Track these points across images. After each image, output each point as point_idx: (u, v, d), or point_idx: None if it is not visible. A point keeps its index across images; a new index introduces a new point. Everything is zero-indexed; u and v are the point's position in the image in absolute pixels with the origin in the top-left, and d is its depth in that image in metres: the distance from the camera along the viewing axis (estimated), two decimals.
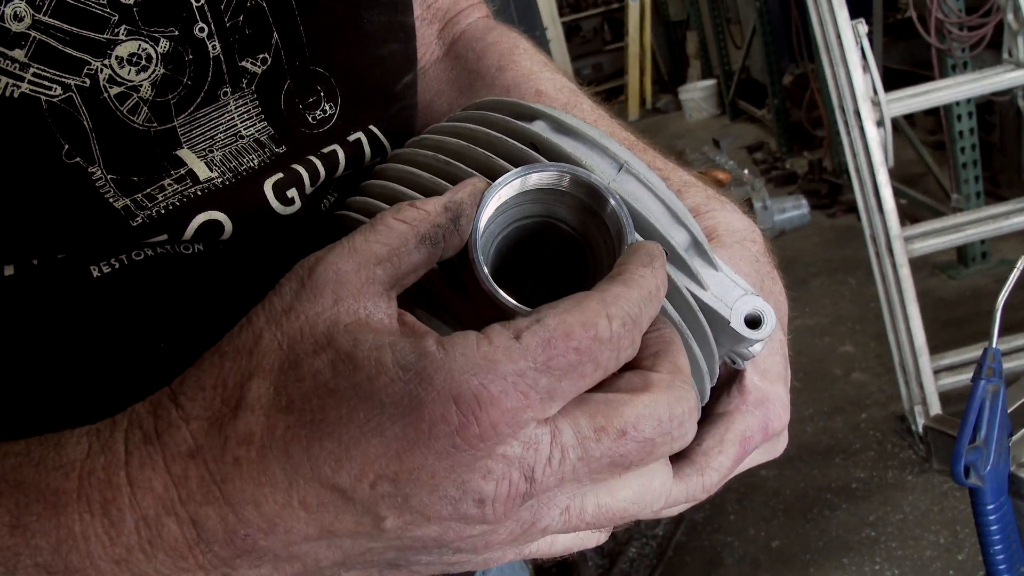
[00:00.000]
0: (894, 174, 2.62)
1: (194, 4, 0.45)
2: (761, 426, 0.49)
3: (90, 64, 0.42)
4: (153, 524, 0.33)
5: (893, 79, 3.28)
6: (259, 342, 0.34)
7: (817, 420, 3.02)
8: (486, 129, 0.44)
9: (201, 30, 0.45)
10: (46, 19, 0.40)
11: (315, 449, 0.32)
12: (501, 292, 0.37)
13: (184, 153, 0.46)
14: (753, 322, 0.43)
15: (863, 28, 2.47)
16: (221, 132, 0.47)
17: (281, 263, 0.38)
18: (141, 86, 0.43)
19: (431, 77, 0.70)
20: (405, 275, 0.37)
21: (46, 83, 0.41)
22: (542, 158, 0.42)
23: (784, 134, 5.92)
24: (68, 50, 0.41)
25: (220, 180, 0.46)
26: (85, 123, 0.42)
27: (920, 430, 2.66)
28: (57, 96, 0.41)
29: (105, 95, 0.42)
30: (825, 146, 5.21)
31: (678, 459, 0.47)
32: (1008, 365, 2.52)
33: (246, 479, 0.32)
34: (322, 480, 0.32)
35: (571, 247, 0.43)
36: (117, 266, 0.45)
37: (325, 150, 0.51)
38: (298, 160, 0.50)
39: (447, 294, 0.42)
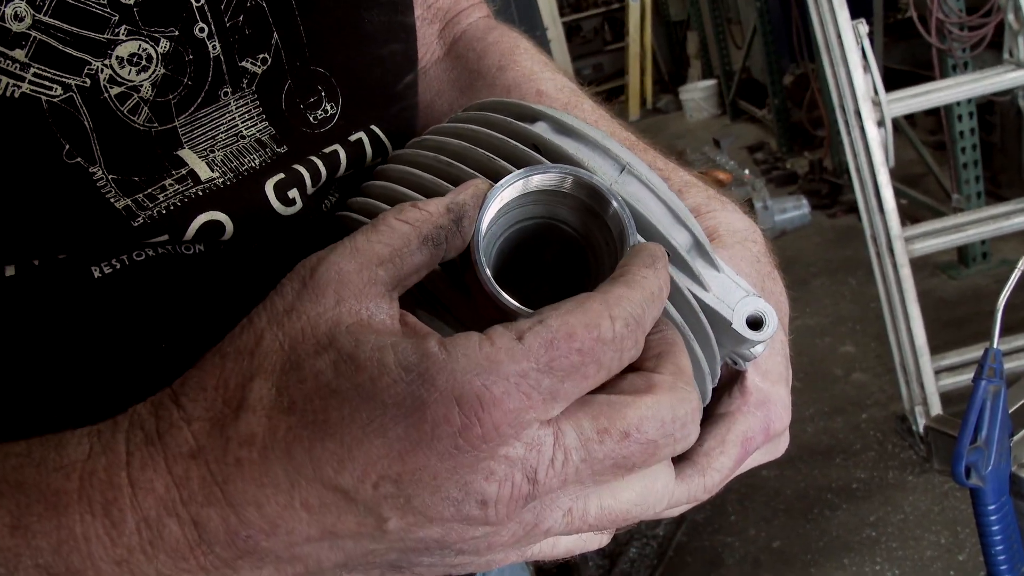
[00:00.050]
0: (895, 174, 2.61)
1: (194, 4, 0.45)
2: (762, 427, 0.49)
3: (90, 64, 0.42)
4: (154, 525, 0.33)
5: (894, 79, 3.28)
6: (260, 343, 0.34)
7: (818, 420, 3.02)
8: (487, 130, 0.44)
9: (201, 30, 0.45)
10: (46, 19, 0.40)
11: (317, 450, 0.32)
12: (503, 294, 0.36)
13: (185, 153, 0.46)
14: (755, 323, 0.43)
15: (864, 28, 2.47)
16: (222, 132, 0.47)
17: (282, 264, 0.38)
18: (141, 86, 0.43)
19: (432, 77, 0.70)
20: (407, 276, 0.37)
21: (47, 83, 0.41)
22: (544, 159, 0.42)
23: (785, 134, 5.92)
24: (68, 50, 0.41)
25: (221, 180, 0.46)
26: (86, 123, 0.42)
27: (921, 430, 2.66)
28: (58, 96, 0.41)
29: (106, 95, 0.42)
30: (826, 146, 5.21)
31: (680, 460, 0.47)
32: (1009, 365, 2.51)
33: (248, 480, 0.32)
34: (324, 481, 0.32)
35: (573, 248, 0.43)
36: (118, 266, 0.45)
37: (326, 150, 0.51)
38: (299, 160, 0.50)
39: (449, 295, 0.41)
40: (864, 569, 2.36)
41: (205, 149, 0.46)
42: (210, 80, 0.46)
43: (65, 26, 0.41)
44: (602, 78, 9.59)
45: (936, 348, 2.66)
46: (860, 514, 2.56)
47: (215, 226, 0.46)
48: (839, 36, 2.48)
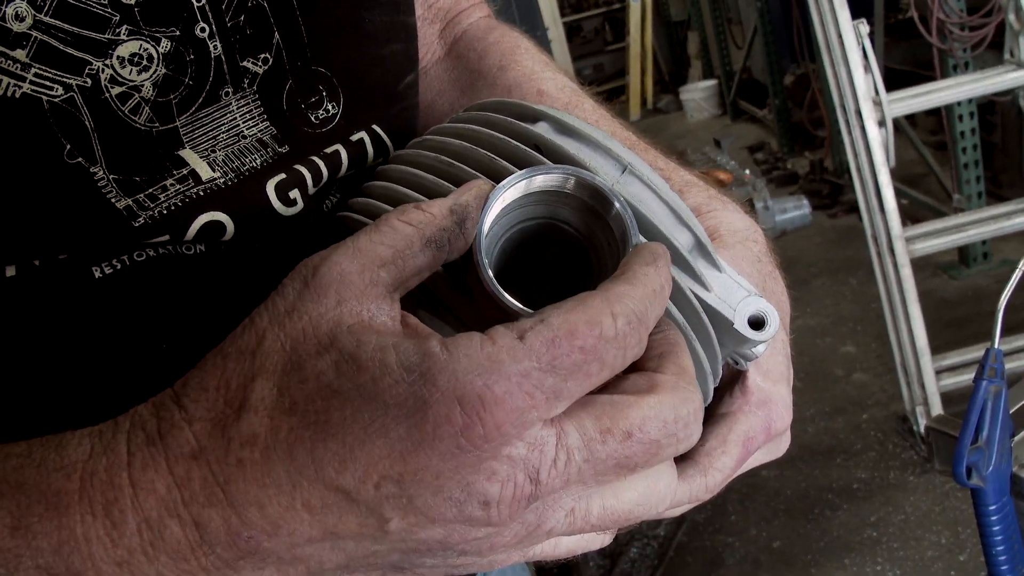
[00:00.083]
0: (895, 174, 2.61)
1: (195, 4, 0.45)
2: (764, 426, 0.49)
3: (91, 64, 0.42)
4: (155, 526, 0.33)
5: (894, 79, 3.28)
6: (262, 343, 0.34)
7: (818, 420, 3.02)
8: (489, 130, 0.44)
9: (202, 30, 0.45)
10: (47, 19, 0.40)
11: (319, 450, 0.32)
12: (505, 295, 0.36)
13: (186, 153, 0.46)
14: (756, 323, 0.43)
15: (864, 28, 2.47)
16: (223, 132, 0.47)
17: (283, 264, 0.38)
18: (142, 86, 0.43)
19: (433, 77, 0.70)
20: (409, 278, 0.37)
21: (48, 83, 0.41)
22: (546, 160, 0.42)
23: (785, 134, 5.92)
24: (69, 50, 0.41)
25: (222, 180, 0.46)
26: (87, 123, 0.42)
27: (922, 431, 2.66)
28: (59, 96, 0.41)
29: (107, 95, 0.42)
30: (826, 146, 5.21)
31: (682, 460, 0.47)
32: (1010, 366, 2.51)
33: (249, 481, 0.32)
34: (326, 482, 0.32)
35: (575, 249, 0.43)
36: (119, 267, 0.45)
37: (328, 150, 0.51)
38: (301, 160, 0.50)
39: (451, 296, 0.41)
40: (865, 569, 2.36)
41: (206, 149, 0.46)
42: (211, 80, 0.46)
43: (66, 26, 0.41)
44: (603, 78, 9.59)
45: (937, 348, 2.66)
46: (861, 514, 2.55)
47: (216, 226, 0.46)
48: (840, 36, 2.48)
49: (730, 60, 7.15)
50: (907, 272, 2.54)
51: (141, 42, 0.43)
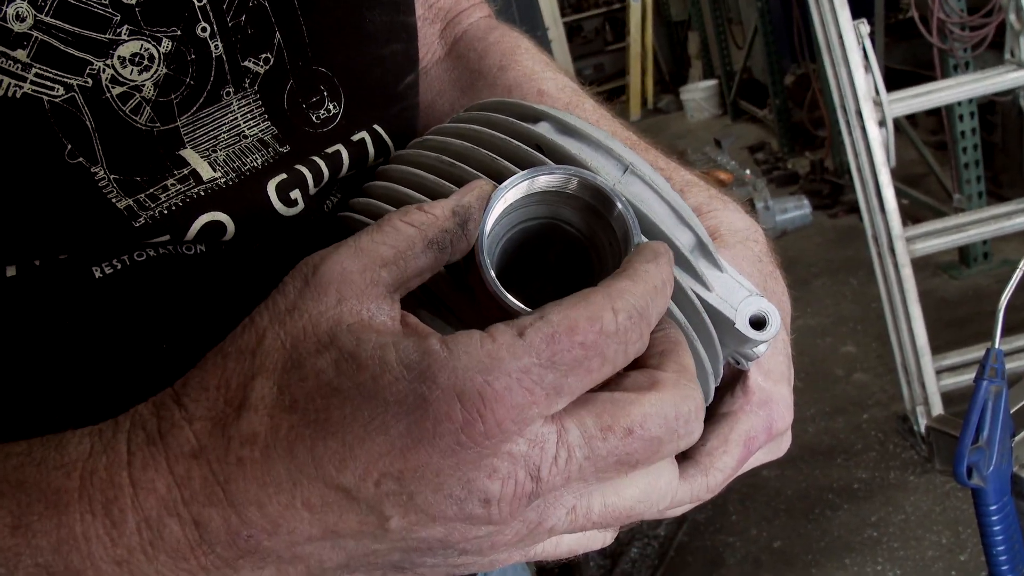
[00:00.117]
0: (896, 174, 2.61)
1: (196, 4, 0.45)
2: (765, 426, 0.49)
3: (92, 64, 0.42)
4: (155, 525, 0.33)
5: (895, 79, 3.27)
6: (262, 341, 0.34)
7: (819, 420, 3.02)
8: (490, 130, 0.44)
9: (203, 30, 0.45)
10: (48, 19, 0.40)
11: (319, 448, 0.32)
12: (508, 295, 0.36)
13: (187, 153, 0.46)
14: (758, 323, 0.43)
15: (865, 28, 2.47)
16: (224, 132, 0.47)
17: (284, 264, 0.38)
18: (143, 86, 0.43)
19: (433, 77, 0.70)
20: (410, 279, 0.37)
21: (48, 83, 0.41)
22: (547, 160, 0.42)
23: (786, 134, 5.92)
24: (70, 50, 0.41)
25: (223, 180, 0.46)
26: (88, 123, 0.42)
27: (922, 430, 2.65)
28: (59, 96, 0.41)
29: (107, 95, 0.42)
30: (827, 146, 5.21)
31: (683, 459, 0.47)
32: (1011, 366, 2.51)
33: (249, 479, 0.32)
34: (326, 480, 0.32)
35: (576, 249, 0.43)
36: (119, 267, 0.45)
37: (329, 150, 0.51)
38: (302, 160, 0.50)
39: (452, 296, 0.41)
40: (865, 569, 2.36)
41: (207, 149, 0.46)
42: (212, 80, 0.46)
43: (67, 26, 0.41)
44: (603, 78, 9.59)
45: (937, 348, 2.66)
46: (861, 514, 2.55)
47: (217, 226, 0.46)
48: (840, 36, 2.48)
49: (730, 60, 7.15)
50: (907, 272, 2.54)
51: (142, 42, 0.43)
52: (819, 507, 2.62)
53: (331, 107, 0.52)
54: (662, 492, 0.37)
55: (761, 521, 2.63)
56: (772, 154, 6.00)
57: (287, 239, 0.49)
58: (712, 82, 7.76)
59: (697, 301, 0.42)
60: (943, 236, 2.64)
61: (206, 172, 0.46)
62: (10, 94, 0.40)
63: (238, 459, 0.32)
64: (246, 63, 0.47)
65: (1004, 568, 0.86)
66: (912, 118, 4.12)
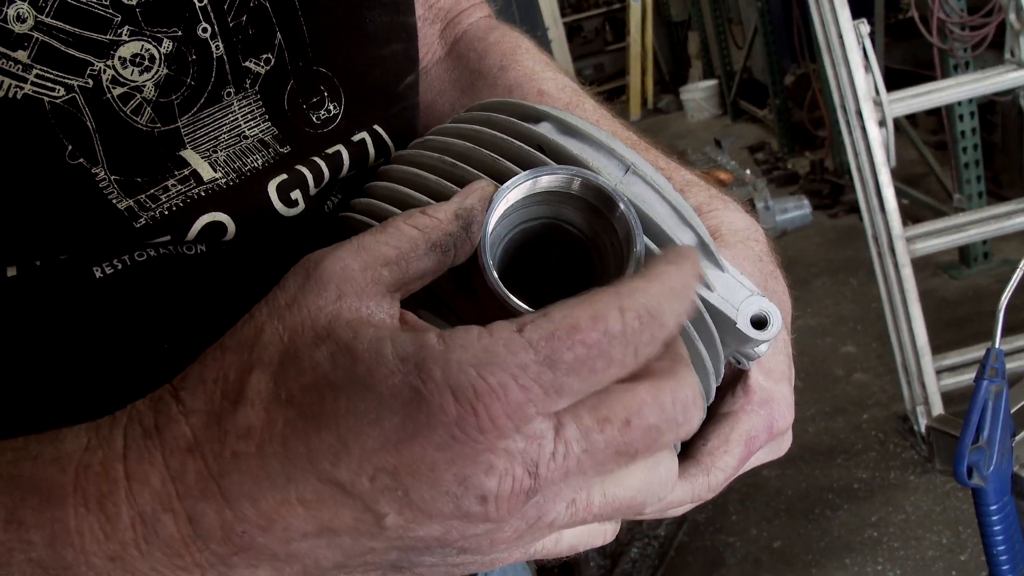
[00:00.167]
0: (896, 174, 2.61)
1: (197, 4, 0.45)
2: (766, 425, 0.49)
3: (93, 65, 0.42)
4: (149, 520, 0.32)
5: (895, 79, 3.27)
6: (260, 336, 0.34)
7: (819, 420, 3.02)
8: (492, 131, 0.44)
9: (204, 30, 0.45)
10: (49, 20, 0.40)
11: (314, 442, 0.31)
12: (510, 295, 0.36)
13: (188, 154, 0.46)
14: (759, 323, 0.43)
15: (865, 28, 2.47)
16: (225, 132, 0.47)
17: (284, 264, 0.38)
18: (144, 87, 0.43)
19: (433, 77, 0.70)
20: (412, 280, 0.37)
21: (49, 84, 0.41)
22: (549, 160, 0.42)
23: (786, 134, 5.92)
24: (71, 51, 0.41)
25: (224, 181, 0.46)
26: (88, 124, 0.42)
27: (922, 430, 2.65)
28: (60, 97, 0.41)
29: (108, 96, 0.42)
30: (827, 146, 5.21)
31: (684, 459, 0.47)
32: (1011, 365, 2.51)
33: (244, 474, 0.32)
34: (320, 475, 0.31)
35: (578, 249, 0.43)
36: (120, 267, 0.45)
37: (329, 150, 0.51)
38: (302, 161, 0.50)
39: (455, 297, 0.41)
40: (866, 569, 2.36)
41: (208, 149, 0.46)
42: (213, 80, 0.46)
43: (67, 27, 0.41)
44: (603, 78, 9.59)
45: (938, 348, 2.66)
46: (862, 514, 2.55)
47: (217, 227, 0.46)
48: (840, 36, 2.48)
49: (730, 60, 7.15)
50: (908, 272, 2.54)
51: (143, 43, 0.43)
52: (819, 507, 2.62)
53: (331, 107, 0.52)
54: (662, 481, 0.37)
55: (761, 521, 2.63)
56: (772, 154, 6.00)
57: (288, 239, 0.49)
58: (712, 82, 7.76)
59: (698, 301, 0.42)
60: (943, 236, 2.64)
61: (207, 173, 0.46)
62: (11, 95, 0.40)
63: (233, 453, 0.32)
64: (247, 63, 0.47)
65: (1004, 568, 0.87)
66: (912, 118, 4.12)
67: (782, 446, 0.52)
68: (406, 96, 0.58)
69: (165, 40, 0.44)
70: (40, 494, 0.33)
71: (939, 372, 2.64)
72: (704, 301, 0.43)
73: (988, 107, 3.93)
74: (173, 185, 0.45)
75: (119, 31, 0.42)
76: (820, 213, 4.58)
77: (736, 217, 0.53)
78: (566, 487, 0.34)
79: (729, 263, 0.45)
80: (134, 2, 0.42)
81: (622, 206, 0.40)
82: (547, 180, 0.40)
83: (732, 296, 0.44)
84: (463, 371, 0.30)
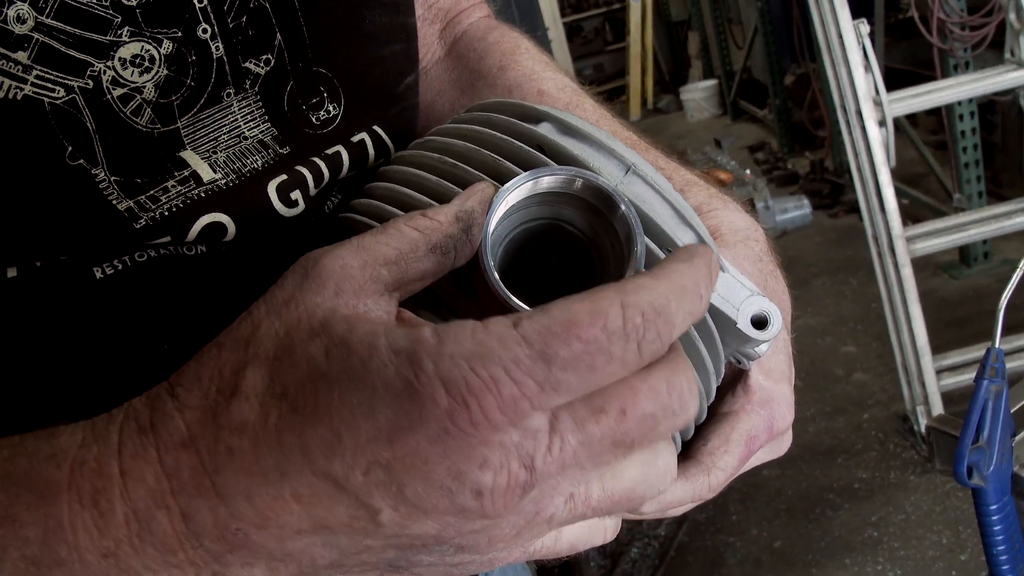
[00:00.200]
0: (896, 174, 2.61)
1: (197, 5, 0.45)
2: (766, 425, 0.49)
3: (93, 66, 0.42)
4: (143, 517, 0.32)
5: (895, 79, 3.28)
6: (257, 332, 0.34)
7: (819, 420, 3.02)
8: (492, 131, 0.44)
9: (204, 31, 0.45)
10: (49, 21, 0.40)
11: (307, 436, 0.31)
12: (511, 296, 0.36)
13: (188, 155, 0.46)
14: (759, 323, 0.43)
15: (865, 28, 2.47)
16: (225, 133, 0.47)
17: (284, 265, 0.38)
18: (144, 87, 0.43)
19: (433, 77, 0.70)
20: (411, 281, 0.37)
21: (49, 85, 0.41)
22: (550, 161, 0.42)
23: (786, 134, 5.92)
24: (71, 52, 0.41)
25: (224, 182, 0.46)
26: (88, 125, 0.42)
27: (922, 430, 2.65)
28: (60, 98, 0.41)
29: (108, 97, 0.42)
30: (827, 146, 5.21)
31: (684, 458, 0.47)
32: (1011, 365, 2.51)
33: (238, 470, 0.32)
34: (314, 469, 0.31)
35: (578, 249, 0.43)
36: (120, 268, 0.45)
37: (329, 151, 0.51)
38: (302, 161, 0.50)
39: (455, 297, 0.41)
40: (866, 569, 2.36)
41: (207, 150, 0.46)
42: (213, 81, 0.46)
43: (67, 28, 0.41)
44: (603, 78, 9.59)
45: (938, 348, 2.66)
46: (862, 514, 2.55)
47: (217, 228, 0.46)
48: (840, 36, 2.48)
49: (730, 60, 7.15)
50: (908, 272, 2.54)
51: (143, 43, 0.43)
52: (819, 507, 2.62)
53: (331, 108, 0.52)
54: (661, 473, 0.36)
55: (761, 521, 2.63)
56: (772, 154, 6.00)
57: (288, 240, 0.49)
58: (712, 82, 7.76)
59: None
60: (943, 236, 2.64)
61: (206, 173, 0.46)
62: (11, 96, 0.40)
63: (227, 448, 0.32)
64: (247, 64, 0.47)
65: (1004, 568, 0.87)
66: (912, 118, 4.12)
67: (782, 446, 0.52)
68: (406, 96, 0.58)
69: (165, 41, 0.44)
70: (34, 490, 0.33)
71: (939, 372, 2.64)
72: None
73: (988, 107, 3.93)
74: (173, 186, 0.45)
75: (119, 32, 0.42)
76: (820, 213, 4.58)
77: (736, 217, 0.53)
78: (564, 481, 0.33)
79: (729, 263, 0.45)
80: (134, 3, 0.42)
81: (623, 207, 0.40)
82: (548, 181, 0.40)
83: (732, 296, 0.44)
84: (455, 364, 0.30)
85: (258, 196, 0.47)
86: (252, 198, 0.47)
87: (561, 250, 0.44)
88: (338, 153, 0.52)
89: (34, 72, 0.40)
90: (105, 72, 0.42)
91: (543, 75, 0.64)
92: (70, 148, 0.42)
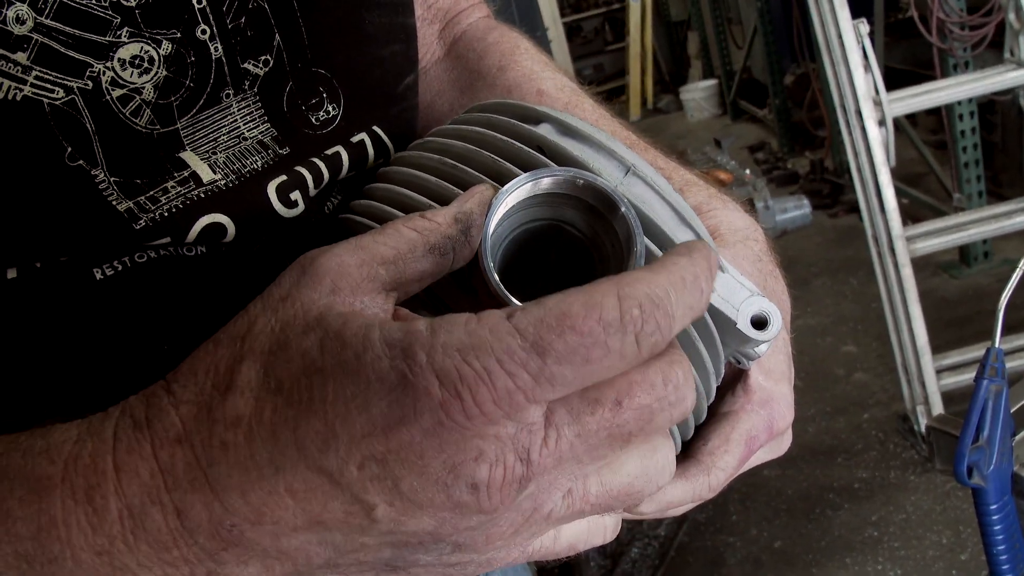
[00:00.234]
0: (896, 174, 2.61)
1: (196, 6, 0.45)
2: (766, 425, 0.49)
3: (92, 67, 0.42)
4: (137, 513, 0.32)
5: (894, 79, 3.28)
6: (252, 328, 0.34)
7: (819, 420, 3.02)
8: (492, 132, 0.44)
9: (203, 32, 0.45)
10: (48, 22, 0.40)
11: (301, 430, 0.31)
12: (511, 297, 0.36)
13: (187, 155, 0.46)
14: (759, 323, 0.43)
15: (864, 28, 2.47)
16: (224, 134, 0.47)
17: (284, 266, 0.38)
18: (143, 88, 0.43)
19: (432, 77, 0.70)
20: (409, 282, 0.37)
21: (48, 86, 0.41)
22: (550, 162, 0.42)
23: (786, 134, 5.92)
24: (70, 53, 0.41)
25: (223, 182, 0.46)
26: (88, 126, 0.42)
27: (922, 430, 2.65)
28: (60, 99, 0.41)
29: (108, 97, 0.42)
30: (827, 146, 5.21)
31: (684, 458, 0.47)
32: (1011, 365, 2.51)
33: (233, 465, 0.32)
34: (308, 463, 0.31)
35: (578, 250, 0.43)
36: (120, 268, 0.45)
37: (328, 152, 0.51)
38: (301, 162, 0.50)
39: (455, 298, 0.41)
40: (866, 569, 2.36)
41: (207, 151, 0.46)
42: (212, 82, 0.46)
43: (67, 29, 0.41)
44: (603, 78, 9.59)
45: (938, 347, 2.66)
46: (862, 514, 2.55)
47: (217, 228, 0.46)
48: (840, 36, 2.48)
49: (730, 60, 7.15)
50: (908, 271, 2.54)
51: (142, 44, 0.43)
52: (820, 507, 2.62)
53: (330, 109, 0.52)
54: (659, 468, 0.36)
55: (762, 521, 2.63)
56: (772, 154, 6.00)
57: (288, 240, 0.49)
58: (712, 82, 7.76)
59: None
60: (943, 235, 2.64)
61: (206, 174, 0.46)
62: (10, 97, 0.40)
63: (222, 443, 0.32)
64: (246, 65, 0.47)
65: (1005, 567, 0.86)
66: (912, 117, 4.12)
67: (782, 446, 0.52)
68: (405, 97, 0.58)
69: (164, 42, 0.44)
70: (28, 485, 0.33)
71: (939, 372, 2.64)
72: None
73: (988, 106, 3.93)
74: (173, 187, 0.45)
75: (118, 33, 0.42)
76: (820, 213, 4.58)
77: (735, 217, 0.53)
78: (561, 476, 0.33)
79: (729, 263, 0.45)
80: (133, 4, 0.42)
81: (623, 207, 0.40)
82: (547, 182, 0.40)
83: (732, 296, 0.44)
84: (448, 355, 0.30)
85: (258, 197, 0.47)
86: (252, 199, 0.47)
87: (561, 251, 0.44)
88: (338, 154, 0.52)
89: (33, 73, 0.40)
90: (104, 73, 0.42)
91: (542, 75, 0.64)
92: (70, 149, 0.42)
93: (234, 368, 0.33)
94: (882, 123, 2.49)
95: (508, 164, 0.42)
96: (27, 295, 0.43)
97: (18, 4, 0.39)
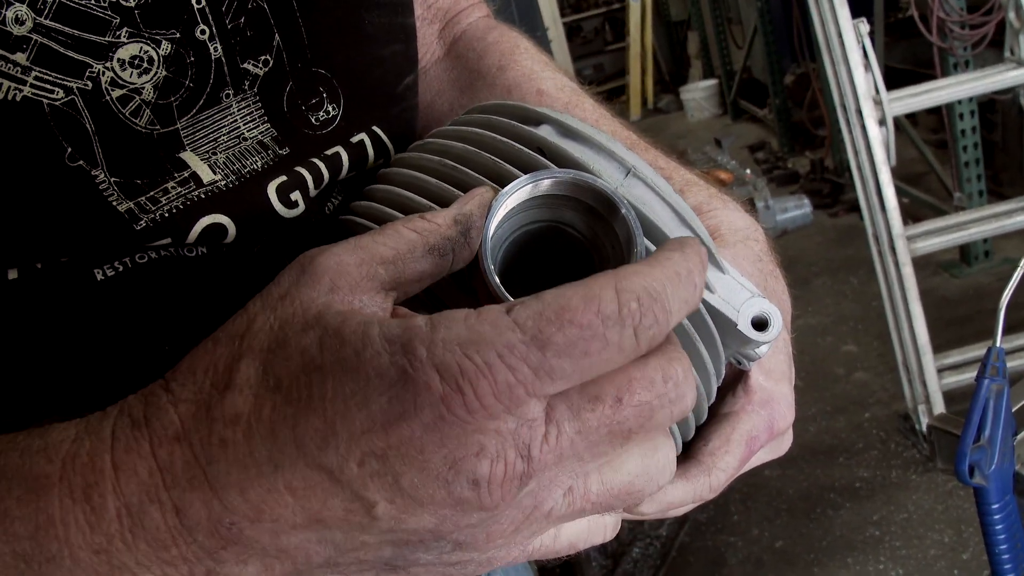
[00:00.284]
0: (896, 173, 2.61)
1: (195, 6, 0.45)
2: (767, 425, 0.49)
3: (92, 67, 0.42)
4: (135, 512, 0.32)
5: (895, 78, 3.28)
6: (251, 326, 0.34)
7: (820, 420, 3.02)
8: (492, 134, 0.44)
9: (202, 32, 0.45)
10: (47, 22, 0.40)
11: (301, 427, 0.31)
12: (511, 298, 0.36)
13: (187, 156, 0.46)
14: (760, 324, 0.43)
15: (864, 27, 2.47)
16: (224, 134, 0.47)
17: (284, 266, 0.38)
18: (143, 88, 0.43)
19: (432, 77, 0.70)
20: (409, 282, 0.37)
21: (48, 86, 0.41)
22: (550, 163, 0.42)
23: (786, 134, 5.92)
24: (70, 53, 0.41)
25: (223, 183, 0.46)
26: (88, 126, 0.42)
27: (924, 429, 2.65)
28: (59, 99, 0.41)
29: (107, 98, 0.42)
30: (827, 145, 5.21)
31: (685, 459, 0.47)
32: (1012, 364, 2.51)
33: (232, 462, 0.31)
34: (308, 460, 0.31)
35: (578, 251, 0.43)
36: (120, 269, 0.45)
37: (328, 152, 0.51)
38: (301, 162, 0.50)
39: (455, 299, 0.41)
40: (868, 568, 2.36)
41: (207, 151, 0.46)
42: (212, 82, 0.46)
43: (66, 29, 0.41)
44: (603, 78, 9.59)
45: (939, 347, 2.66)
46: (863, 513, 2.55)
47: (217, 229, 0.46)
48: (840, 35, 2.48)
49: (730, 60, 7.15)
50: (908, 271, 2.54)
51: (141, 44, 0.43)
52: (821, 506, 2.62)
53: (330, 109, 0.52)
54: (660, 466, 0.36)
55: (763, 521, 2.63)
56: (772, 153, 6.00)
57: (288, 241, 0.49)
58: (712, 82, 7.76)
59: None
60: (944, 235, 2.64)
61: (206, 175, 0.46)
62: (10, 97, 0.40)
63: (220, 440, 0.32)
64: (245, 65, 0.47)
65: (1006, 567, 0.86)
66: (912, 117, 4.12)
67: (783, 446, 0.52)
68: (405, 97, 0.58)
69: (163, 42, 0.44)
70: (25, 484, 0.33)
71: (940, 371, 2.64)
72: (705, 303, 0.43)
73: (988, 106, 3.93)
74: (173, 187, 0.45)
75: (118, 33, 0.42)
76: (820, 212, 4.58)
77: (736, 216, 0.53)
78: (562, 473, 0.33)
79: (729, 264, 0.45)
80: (132, 4, 0.42)
81: (623, 209, 0.39)
82: (547, 183, 0.40)
83: (733, 298, 0.43)
84: (448, 349, 0.30)
85: (258, 197, 0.47)
86: (252, 199, 0.47)
87: (561, 252, 0.44)
88: (338, 154, 0.52)
89: (33, 73, 0.40)
90: (104, 73, 0.42)
91: (542, 75, 0.64)
92: (70, 149, 0.42)
93: (233, 366, 0.33)
94: (882, 122, 2.49)
95: (508, 166, 0.42)
96: (28, 296, 0.43)
97: (17, 5, 0.39)
